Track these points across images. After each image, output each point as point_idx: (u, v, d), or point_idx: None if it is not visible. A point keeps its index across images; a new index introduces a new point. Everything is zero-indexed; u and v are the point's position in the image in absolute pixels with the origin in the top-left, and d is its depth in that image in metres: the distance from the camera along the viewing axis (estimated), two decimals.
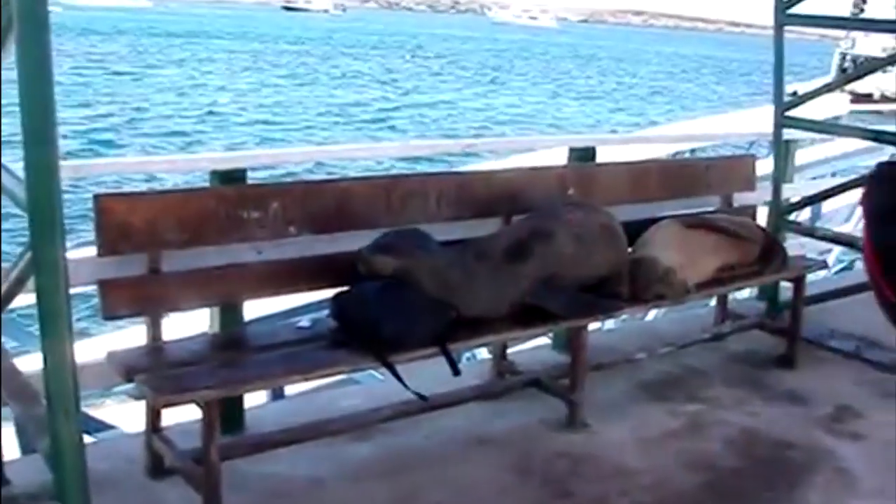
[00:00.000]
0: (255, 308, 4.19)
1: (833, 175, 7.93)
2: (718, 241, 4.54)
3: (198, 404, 3.07)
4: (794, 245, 5.67)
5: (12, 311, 3.00)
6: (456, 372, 3.52)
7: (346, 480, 3.55)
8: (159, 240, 3.34)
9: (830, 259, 7.88)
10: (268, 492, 3.41)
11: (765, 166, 5.72)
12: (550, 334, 4.88)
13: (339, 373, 3.63)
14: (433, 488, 3.53)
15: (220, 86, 40.14)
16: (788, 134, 5.64)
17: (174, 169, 4.94)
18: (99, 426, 4.91)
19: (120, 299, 3.31)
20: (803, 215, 7.39)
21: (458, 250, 3.78)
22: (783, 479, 3.76)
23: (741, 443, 4.05)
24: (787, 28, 5.29)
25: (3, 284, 2.64)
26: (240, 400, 3.80)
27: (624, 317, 4.92)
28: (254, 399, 4.12)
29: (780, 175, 5.58)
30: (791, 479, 3.75)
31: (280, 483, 3.47)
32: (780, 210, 5.54)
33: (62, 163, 2.33)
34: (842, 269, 8.33)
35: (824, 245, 6.69)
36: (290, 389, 4.60)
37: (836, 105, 12.68)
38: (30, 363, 3.03)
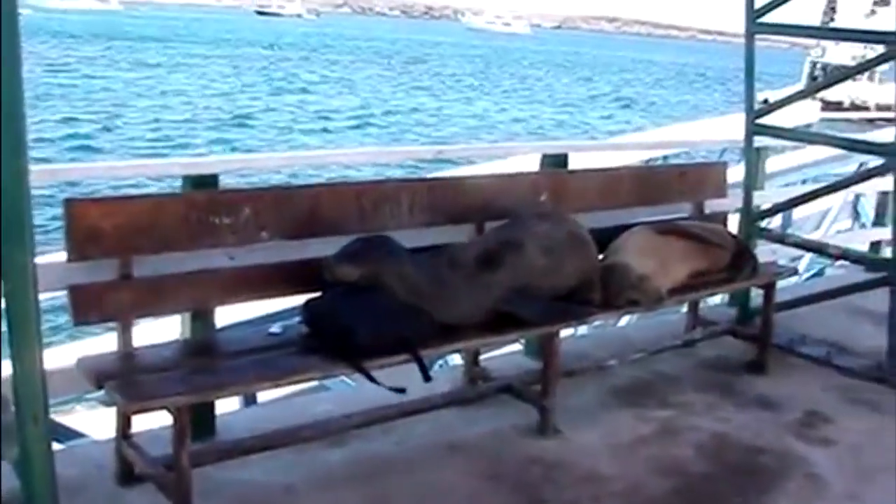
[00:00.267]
0: (227, 315, 4.17)
1: (804, 182, 7.98)
2: (689, 247, 4.56)
3: (169, 410, 3.05)
4: (765, 252, 5.71)
5: None
6: (427, 378, 3.52)
7: (318, 487, 3.53)
8: (130, 245, 3.32)
9: (801, 266, 7.93)
10: (239, 498, 3.40)
11: (736, 173, 5.76)
12: (523, 341, 4.88)
13: (311, 379, 3.62)
14: (405, 494, 3.52)
15: (196, 90, 39.97)
16: (760, 141, 5.67)
17: (144, 174, 4.89)
18: (69, 433, 4.86)
19: (90, 305, 3.28)
20: (774, 222, 7.43)
21: (429, 258, 3.78)
22: (754, 484, 3.78)
23: (712, 448, 4.07)
24: (758, 36, 5.33)
25: None
26: (211, 406, 3.78)
27: (596, 323, 4.94)
28: (225, 405, 4.10)
29: (752, 182, 5.61)
30: (762, 485, 3.77)
31: (251, 490, 3.45)
32: (752, 217, 5.57)
33: (32, 167, 2.31)
34: (812, 276, 8.39)
35: (795, 252, 6.74)
36: (262, 396, 4.58)
37: (806, 113, 12.76)
38: None
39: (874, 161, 5.70)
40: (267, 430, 3.67)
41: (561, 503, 3.54)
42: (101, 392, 3.22)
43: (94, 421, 5.00)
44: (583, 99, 52.15)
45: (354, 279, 3.53)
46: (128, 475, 3.39)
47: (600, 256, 4.29)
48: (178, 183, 3.82)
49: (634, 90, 60.33)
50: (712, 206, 5.27)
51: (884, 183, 6.24)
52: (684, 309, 5.35)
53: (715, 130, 10.88)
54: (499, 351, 5.13)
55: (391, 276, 3.57)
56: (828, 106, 30.40)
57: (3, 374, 2.46)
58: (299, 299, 3.67)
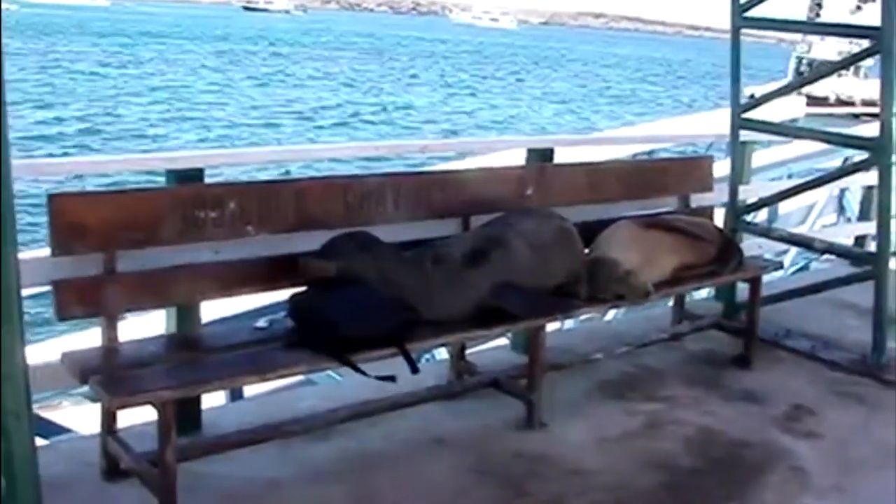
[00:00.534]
0: (213, 310, 4.16)
1: (789, 177, 7.99)
2: (675, 241, 4.57)
3: (154, 405, 3.04)
4: (751, 246, 5.73)
5: None
6: (414, 370, 3.51)
7: (304, 481, 3.53)
8: (115, 240, 3.31)
9: (787, 260, 7.96)
10: (225, 493, 3.39)
11: (722, 168, 5.76)
12: (509, 335, 4.89)
13: (297, 373, 3.61)
14: (391, 489, 3.52)
15: (186, 86, 39.87)
16: (746, 136, 5.68)
17: (129, 168, 4.86)
18: (54, 429, 4.84)
19: (75, 300, 3.27)
20: (760, 216, 7.45)
21: (414, 254, 3.78)
22: (740, 477, 3.79)
23: (698, 442, 4.08)
24: (745, 32, 5.34)
25: None
26: (197, 401, 3.77)
27: (583, 317, 4.94)
28: (211, 400, 4.09)
29: (737, 176, 5.63)
30: (747, 478, 3.78)
31: (237, 484, 3.45)
32: (737, 211, 5.59)
33: (14, 162, 2.30)
34: (798, 270, 8.42)
35: (781, 246, 6.75)
36: (248, 391, 4.57)
37: (792, 108, 12.81)
38: None
39: (859, 156, 5.72)
40: (253, 425, 3.66)
41: (547, 497, 3.55)
42: (87, 387, 3.21)
43: (81, 416, 4.98)
44: (581, 96, 52.13)
45: (333, 274, 3.52)
46: (113, 470, 3.38)
47: (586, 250, 4.30)
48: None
49: (621, 87, 60.34)
50: (698, 199, 5.27)
51: (869, 177, 6.25)
52: (670, 303, 5.37)
53: (702, 125, 10.89)
54: (485, 345, 5.14)
55: (369, 270, 3.56)
56: (814, 101, 30.47)
57: None
58: (285, 294, 3.66)
